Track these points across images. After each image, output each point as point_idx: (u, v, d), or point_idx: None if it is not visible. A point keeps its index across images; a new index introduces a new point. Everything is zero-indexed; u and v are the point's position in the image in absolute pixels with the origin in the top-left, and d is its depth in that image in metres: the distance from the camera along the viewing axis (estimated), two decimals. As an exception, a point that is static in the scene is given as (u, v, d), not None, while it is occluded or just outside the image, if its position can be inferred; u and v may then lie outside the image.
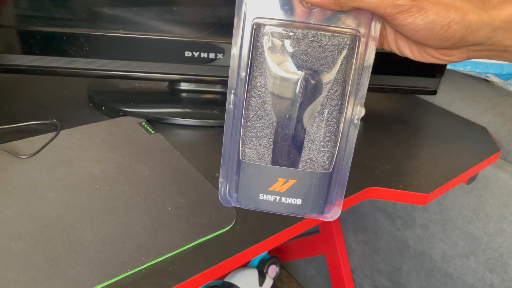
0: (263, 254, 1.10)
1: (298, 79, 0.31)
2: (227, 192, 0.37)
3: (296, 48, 0.31)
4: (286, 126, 0.33)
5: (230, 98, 0.33)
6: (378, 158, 0.58)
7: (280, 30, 0.30)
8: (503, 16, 0.32)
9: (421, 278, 0.86)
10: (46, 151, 0.52)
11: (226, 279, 0.98)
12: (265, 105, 0.32)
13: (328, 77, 0.31)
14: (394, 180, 0.53)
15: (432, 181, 0.54)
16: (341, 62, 0.31)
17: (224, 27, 0.59)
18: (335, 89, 0.32)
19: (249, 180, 0.34)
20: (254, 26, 0.31)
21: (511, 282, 0.70)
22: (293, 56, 0.31)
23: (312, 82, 0.31)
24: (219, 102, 0.68)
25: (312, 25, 0.32)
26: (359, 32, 0.32)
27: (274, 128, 0.33)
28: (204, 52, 0.60)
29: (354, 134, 0.34)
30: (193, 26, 0.59)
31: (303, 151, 0.33)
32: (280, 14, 0.32)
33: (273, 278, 1.05)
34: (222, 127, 0.62)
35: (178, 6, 0.57)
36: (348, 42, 0.31)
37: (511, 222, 0.67)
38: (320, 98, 0.32)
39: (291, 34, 0.30)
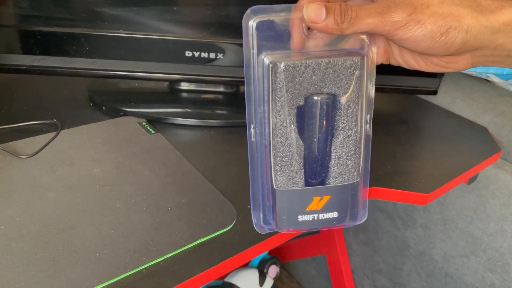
0: (264, 254, 1.10)
1: (318, 104, 0.33)
2: (261, 220, 0.39)
3: (313, 77, 0.33)
4: (313, 148, 0.35)
5: (251, 132, 0.35)
6: (379, 158, 0.58)
7: (295, 64, 0.32)
8: (502, 20, 0.33)
9: (421, 278, 0.86)
10: (46, 151, 0.52)
11: (227, 279, 0.98)
12: (291, 134, 0.34)
13: (345, 97, 0.34)
14: (394, 180, 0.53)
15: (433, 181, 0.54)
16: (355, 82, 0.34)
17: (225, 27, 0.59)
18: (352, 107, 0.34)
19: (286, 206, 0.36)
20: (270, 65, 0.33)
21: (511, 283, 0.70)
22: (310, 85, 0.33)
23: (331, 104, 0.34)
24: (220, 102, 0.68)
25: (320, 52, 0.34)
26: (362, 51, 0.35)
27: (303, 153, 0.35)
28: (204, 52, 0.60)
29: (369, 141, 0.37)
30: (194, 26, 0.59)
31: (331, 168, 0.36)
32: (286, 45, 0.34)
33: (274, 278, 1.05)
34: (223, 127, 0.62)
35: (179, 6, 0.57)
36: (359, 63, 0.33)
37: (512, 222, 0.67)
38: (340, 117, 0.34)
39: (306, 66, 0.32)
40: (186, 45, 0.59)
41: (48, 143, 0.53)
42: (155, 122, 0.61)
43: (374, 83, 0.36)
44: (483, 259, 0.73)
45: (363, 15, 0.32)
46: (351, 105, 0.34)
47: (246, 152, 0.56)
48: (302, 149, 0.35)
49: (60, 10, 0.55)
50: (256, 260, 1.08)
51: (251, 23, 0.33)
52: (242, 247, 0.41)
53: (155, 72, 0.61)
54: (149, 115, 0.61)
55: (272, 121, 0.34)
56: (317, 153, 0.35)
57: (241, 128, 0.62)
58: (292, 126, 0.34)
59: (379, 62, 0.39)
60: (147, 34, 0.58)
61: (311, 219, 0.37)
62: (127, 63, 0.60)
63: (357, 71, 0.33)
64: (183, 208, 0.45)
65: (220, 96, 0.69)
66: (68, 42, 0.57)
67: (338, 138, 0.35)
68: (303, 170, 0.35)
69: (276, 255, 1.12)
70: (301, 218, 0.36)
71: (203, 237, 0.42)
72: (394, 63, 0.39)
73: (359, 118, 0.35)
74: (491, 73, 0.75)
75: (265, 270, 1.06)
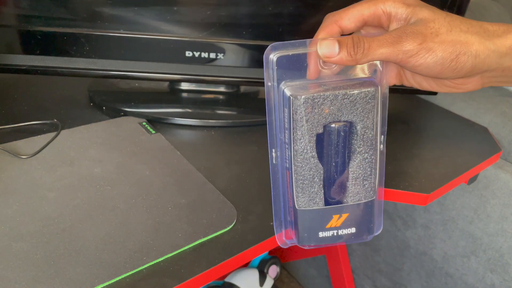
0: (264, 254, 1.10)
1: (336, 131, 0.36)
2: (283, 236, 0.41)
3: (331, 108, 0.35)
4: (332, 171, 0.38)
5: (273, 155, 0.38)
6: (379, 158, 0.58)
7: (314, 97, 0.35)
8: (508, 44, 0.35)
9: (421, 278, 0.86)
10: (46, 151, 0.52)
11: (227, 279, 0.98)
12: (311, 160, 0.37)
13: (361, 123, 0.36)
14: (395, 180, 0.53)
15: (433, 181, 0.54)
16: (370, 110, 0.36)
17: (225, 27, 0.59)
18: (368, 132, 0.37)
19: (308, 224, 0.39)
20: (291, 98, 0.35)
21: (511, 283, 0.70)
22: (328, 114, 0.36)
23: (348, 130, 0.37)
24: (220, 102, 0.68)
25: (336, 82, 0.37)
26: (375, 79, 0.37)
27: (322, 175, 0.37)
28: (204, 52, 0.60)
29: (383, 160, 0.39)
30: (194, 26, 0.59)
31: (349, 188, 0.38)
32: (303, 75, 0.37)
33: (274, 278, 1.05)
34: (223, 127, 0.62)
35: (179, 6, 0.57)
36: (374, 93, 0.36)
37: (512, 222, 0.67)
38: (356, 142, 0.37)
39: (324, 98, 0.35)
40: (186, 45, 0.59)
41: (48, 143, 0.53)
42: (155, 122, 0.61)
43: (387, 105, 0.38)
44: (483, 259, 0.73)
45: (376, 45, 0.34)
46: (367, 131, 0.37)
47: (246, 152, 0.57)
48: (321, 172, 0.37)
49: (60, 10, 0.55)
50: (256, 260, 1.08)
51: (271, 57, 0.36)
52: (242, 247, 0.42)
53: (155, 72, 0.61)
54: (149, 115, 0.61)
55: (293, 148, 0.36)
56: (335, 175, 0.38)
57: (241, 128, 0.62)
58: (312, 152, 0.36)
59: (392, 84, 0.41)
60: (147, 34, 0.58)
61: (330, 235, 0.39)
62: (127, 63, 0.60)
63: (373, 101, 0.36)
64: (183, 208, 0.45)
65: (220, 96, 0.69)
66: (69, 42, 0.57)
67: (355, 161, 0.38)
68: (322, 191, 0.38)
69: (276, 255, 1.12)
70: (321, 234, 0.39)
71: (203, 237, 0.42)
72: (407, 84, 0.42)
73: (374, 142, 0.37)
74: (491, 73, 0.75)
75: (265, 270, 1.06)
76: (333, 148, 0.37)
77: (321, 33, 0.38)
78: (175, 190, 0.47)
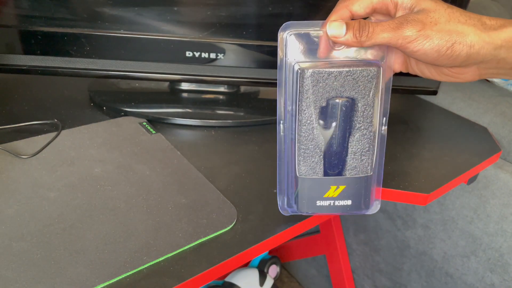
0: (264, 254, 1.10)
1: (338, 106, 0.39)
2: (285, 204, 0.44)
3: (335, 83, 0.38)
4: (332, 144, 0.40)
5: (280, 127, 0.41)
6: (379, 158, 0.58)
7: (319, 71, 0.37)
8: (503, 37, 0.37)
9: (421, 278, 0.86)
10: (47, 151, 0.52)
11: (227, 279, 0.98)
12: (314, 131, 0.39)
13: (362, 101, 0.39)
14: (394, 180, 0.53)
15: (433, 181, 0.54)
16: (371, 88, 0.39)
17: (225, 27, 0.59)
18: (368, 110, 0.39)
19: (307, 192, 0.41)
20: (299, 71, 0.38)
21: (511, 282, 0.70)
22: (332, 89, 0.38)
23: (349, 106, 0.39)
24: (220, 102, 0.68)
25: (343, 61, 0.40)
26: (379, 62, 0.40)
27: (323, 147, 0.40)
28: (205, 52, 0.60)
29: (384, 141, 0.42)
30: (194, 26, 0.59)
31: (348, 162, 0.41)
32: (314, 55, 0.39)
33: (274, 278, 1.05)
34: (223, 127, 0.62)
35: (179, 6, 0.58)
36: (375, 73, 0.38)
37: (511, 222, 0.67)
38: (357, 118, 0.39)
39: (329, 73, 0.38)
40: (187, 45, 0.59)
41: (49, 143, 0.53)
42: (156, 122, 0.61)
43: (390, 89, 0.41)
44: (483, 259, 0.73)
45: (379, 30, 0.37)
46: (367, 108, 0.39)
47: (246, 152, 0.57)
48: (322, 143, 0.40)
49: (60, 10, 0.55)
50: (256, 260, 1.08)
51: (284, 35, 0.38)
52: (243, 247, 0.42)
53: (155, 72, 0.61)
54: (149, 115, 0.61)
55: (298, 118, 0.39)
56: (335, 148, 0.40)
57: (241, 128, 0.62)
58: (315, 123, 0.39)
59: (398, 71, 0.44)
60: (148, 34, 0.58)
61: (327, 204, 0.42)
62: (128, 63, 0.60)
63: (374, 80, 0.38)
64: (184, 208, 0.45)
65: (221, 96, 0.69)
66: (69, 42, 0.57)
67: (354, 136, 0.40)
68: (322, 162, 0.41)
69: (276, 255, 1.13)
70: (319, 203, 0.42)
71: (204, 237, 0.42)
72: (411, 72, 0.44)
73: (373, 120, 0.40)
74: (491, 73, 0.75)
75: (265, 270, 1.06)
76: (334, 121, 0.39)
77: (332, 16, 0.40)
78: (175, 190, 0.47)
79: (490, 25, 0.38)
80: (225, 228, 0.43)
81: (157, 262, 0.39)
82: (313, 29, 0.39)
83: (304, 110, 0.39)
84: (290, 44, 0.39)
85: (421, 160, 0.59)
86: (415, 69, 0.43)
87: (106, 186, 0.47)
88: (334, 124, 0.39)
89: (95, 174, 0.49)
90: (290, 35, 0.39)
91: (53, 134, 0.55)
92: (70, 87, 0.69)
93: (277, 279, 1.17)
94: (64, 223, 0.42)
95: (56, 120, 0.58)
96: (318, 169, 0.41)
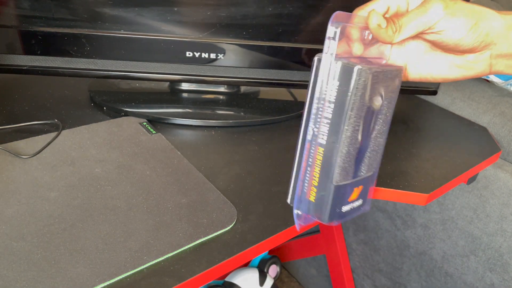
0: (264, 253, 1.10)
1: (379, 106, 0.37)
2: (301, 215, 0.40)
3: (375, 81, 0.36)
4: (364, 146, 0.38)
5: (310, 131, 0.37)
6: (379, 158, 0.58)
7: (365, 69, 0.34)
8: None
9: (421, 277, 0.86)
10: (47, 151, 0.52)
11: (227, 279, 0.98)
12: (357, 134, 0.36)
13: (391, 100, 0.38)
14: (394, 180, 0.53)
15: (433, 181, 0.54)
16: (398, 89, 0.38)
17: (225, 27, 0.59)
18: (390, 110, 0.38)
19: (339, 199, 0.38)
20: (344, 67, 0.34)
21: (511, 282, 0.70)
22: (375, 89, 0.36)
23: (385, 106, 0.38)
24: (220, 102, 0.68)
25: (374, 59, 0.39)
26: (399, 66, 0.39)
27: (357, 149, 0.38)
28: (205, 53, 0.60)
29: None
30: (194, 27, 0.59)
31: (365, 160, 0.39)
32: (349, 52, 0.38)
33: (274, 278, 1.06)
34: (223, 127, 0.63)
35: (179, 7, 0.58)
36: (402, 72, 0.38)
37: (511, 222, 0.68)
38: (381, 116, 0.38)
39: (375, 72, 0.35)
40: (187, 45, 0.59)
41: (49, 143, 0.53)
42: (156, 122, 0.61)
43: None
44: (483, 259, 0.73)
45: (406, 21, 0.37)
46: (390, 107, 0.39)
47: (246, 152, 0.57)
48: (358, 146, 0.37)
49: (61, 10, 0.55)
50: (256, 259, 1.08)
51: (334, 29, 0.34)
52: (243, 246, 0.42)
53: (156, 73, 0.61)
54: (150, 115, 0.61)
55: (343, 120, 0.35)
56: (364, 149, 0.38)
57: (241, 128, 0.62)
58: (359, 126, 0.36)
59: None
60: (148, 34, 0.58)
61: (349, 208, 0.39)
62: (128, 63, 0.60)
63: (400, 81, 0.38)
64: (184, 208, 0.45)
65: (221, 96, 0.69)
66: (69, 42, 0.57)
67: (373, 134, 0.39)
68: (354, 165, 0.38)
69: (276, 255, 1.13)
70: (344, 208, 0.39)
71: (204, 236, 0.42)
72: (411, 78, 0.44)
73: (390, 118, 0.40)
74: (491, 73, 0.75)
75: (265, 270, 1.06)
76: (368, 123, 0.37)
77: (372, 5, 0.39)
78: (175, 190, 0.47)
79: (502, 11, 0.39)
80: (225, 228, 0.43)
81: (157, 262, 0.39)
82: (356, 24, 0.36)
83: (350, 112, 0.35)
84: (336, 39, 0.35)
85: (420, 160, 0.59)
86: (420, 71, 0.43)
87: (106, 186, 0.47)
88: (367, 125, 0.37)
89: (95, 174, 0.49)
90: (338, 29, 0.34)
91: (54, 134, 0.55)
92: (70, 87, 0.69)
93: (277, 279, 1.17)
94: (64, 223, 0.42)
95: (56, 120, 0.58)
96: (351, 173, 0.38)
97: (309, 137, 0.37)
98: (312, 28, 0.61)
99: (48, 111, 0.61)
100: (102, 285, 0.36)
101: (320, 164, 0.37)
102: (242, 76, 0.63)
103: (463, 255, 0.76)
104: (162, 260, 0.39)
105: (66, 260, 0.38)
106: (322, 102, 0.36)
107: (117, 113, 0.62)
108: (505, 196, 0.67)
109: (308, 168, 0.38)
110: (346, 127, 0.35)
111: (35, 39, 0.56)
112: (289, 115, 0.66)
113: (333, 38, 0.34)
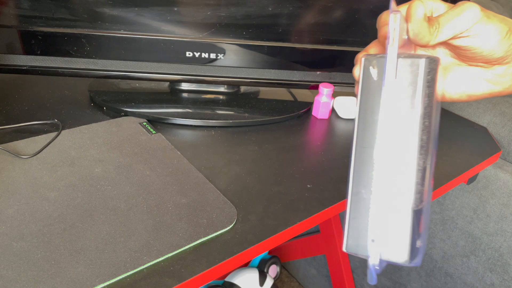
0: (264, 254, 1.10)
1: (436, 102, 0.33)
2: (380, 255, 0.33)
3: (430, 76, 0.31)
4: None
5: (367, 152, 0.31)
6: (379, 158, 0.58)
7: (430, 60, 0.31)
8: None
9: (421, 277, 0.86)
10: (47, 151, 0.52)
11: (227, 279, 0.98)
12: (424, 137, 0.31)
13: (435, 98, 0.33)
14: (394, 180, 0.53)
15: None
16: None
17: (225, 27, 0.59)
18: (439, 108, 0.33)
19: (415, 229, 0.31)
20: (415, 62, 0.31)
21: (511, 282, 0.70)
22: (430, 85, 0.31)
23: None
24: (220, 102, 0.68)
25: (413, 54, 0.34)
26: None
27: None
28: (205, 53, 0.60)
29: None
30: (194, 27, 0.59)
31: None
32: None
33: (274, 278, 1.06)
34: (223, 127, 0.63)
35: (179, 7, 0.58)
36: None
37: (511, 222, 0.68)
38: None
39: (431, 65, 0.31)
40: (187, 45, 0.59)
41: (49, 143, 0.53)
42: (156, 122, 0.61)
43: None
44: (483, 259, 0.73)
45: (443, 22, 0.35)
46: (438, 105, 0.34)
47: (246, 152, 0.57)
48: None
49: (61, 10, 0.56)
50: (256, 259, 1.08)
51: (392, 25, 0.31)
52: (242, 247, 0.42)
53: (155, 73, 0.61)
54: (149, 115, 0.61)
55: (419, 124, 0.30)
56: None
57: (241, 128, 0.62)
58: (433, 128, 0.32)
59: None
60: (148, 34, 0.58)
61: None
62: (128, 63, 0.60)
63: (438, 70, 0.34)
64: (184, 208, 0.45)
65: (221, 96, 0.69)
66: (69, 42, 0.57)
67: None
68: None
69: (276, 255, 1.13)
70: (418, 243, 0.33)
71: (204, 237, 0.42)
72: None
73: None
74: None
75: (265, 270, 1.06)
76: (430, 121, 0.31)
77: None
78: (175, 190, 0.47)
79: None
80: (225, 228, 0.43)
81: (157, 262, 0.39)
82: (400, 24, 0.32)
83: (426, 108, 0.30)
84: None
85: (420, 160, 0.59)
86: (444, 88, 0.40)
87: (106, 186, 0.47)
88: (430, 124, 0.31)
89: (95, 174, 0.49)
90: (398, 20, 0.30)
91: (54, 134, 0.55)
92: (70, 87, 0.69)
93: (277, 279, 1.17)
94: (64, 223, 0.42)
95: (56, 120, 0.58)
96: (422, 195, 0.31)
97: (374, 157, 0.31)
98: (312, 28, 0.61)
99: (48, 111, 0.61)
100: (102, 285, 0.36)
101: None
102: (242, 76, 0.63)
103: (463, 255, 0.76)
104: (162, 260, 0.39)
105: (66, 260, 0.38)
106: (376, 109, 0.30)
107: (117, 113, 0.62)
108: (505, 196, 0.67)
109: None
110: (420, 132, 0.30)
111: (35, 39, 0.56)
112: (289, 115, 0.66)
113: (395, 29, 0.30)
